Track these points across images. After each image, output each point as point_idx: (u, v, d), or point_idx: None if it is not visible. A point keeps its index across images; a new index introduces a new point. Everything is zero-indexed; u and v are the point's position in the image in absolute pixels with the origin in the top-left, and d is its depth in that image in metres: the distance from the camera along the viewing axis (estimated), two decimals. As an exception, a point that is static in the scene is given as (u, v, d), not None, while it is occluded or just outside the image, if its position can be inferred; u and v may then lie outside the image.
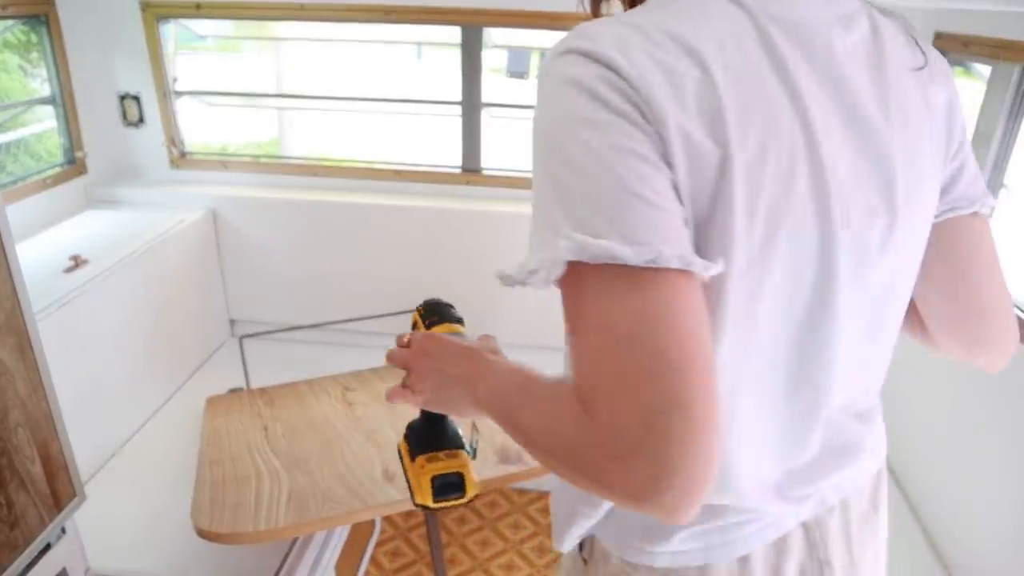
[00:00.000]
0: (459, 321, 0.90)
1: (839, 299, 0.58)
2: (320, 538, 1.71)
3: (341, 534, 1.85)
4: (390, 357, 0.80)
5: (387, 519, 2.25)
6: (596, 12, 0.69)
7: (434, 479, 0.83)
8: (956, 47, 1.73)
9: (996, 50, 1.55)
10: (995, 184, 1.58)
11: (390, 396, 0.80)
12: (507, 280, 0.55)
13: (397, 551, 2.15)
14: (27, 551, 1.10)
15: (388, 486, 1.27)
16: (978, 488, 1.47)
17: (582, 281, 0.49)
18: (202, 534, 1.20)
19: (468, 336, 0.85)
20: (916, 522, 1.67)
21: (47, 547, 1.16)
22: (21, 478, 1.07)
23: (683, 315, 0.48)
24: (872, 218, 0.58)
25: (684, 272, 0.48)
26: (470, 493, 0.83)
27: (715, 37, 0.52)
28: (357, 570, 2.03)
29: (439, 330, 0.87)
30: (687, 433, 0.45)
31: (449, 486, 0.83)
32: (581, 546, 0.73)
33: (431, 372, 0.74)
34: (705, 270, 0.49)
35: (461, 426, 0.89)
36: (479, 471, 1.29)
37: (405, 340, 0.80)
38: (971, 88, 1.74)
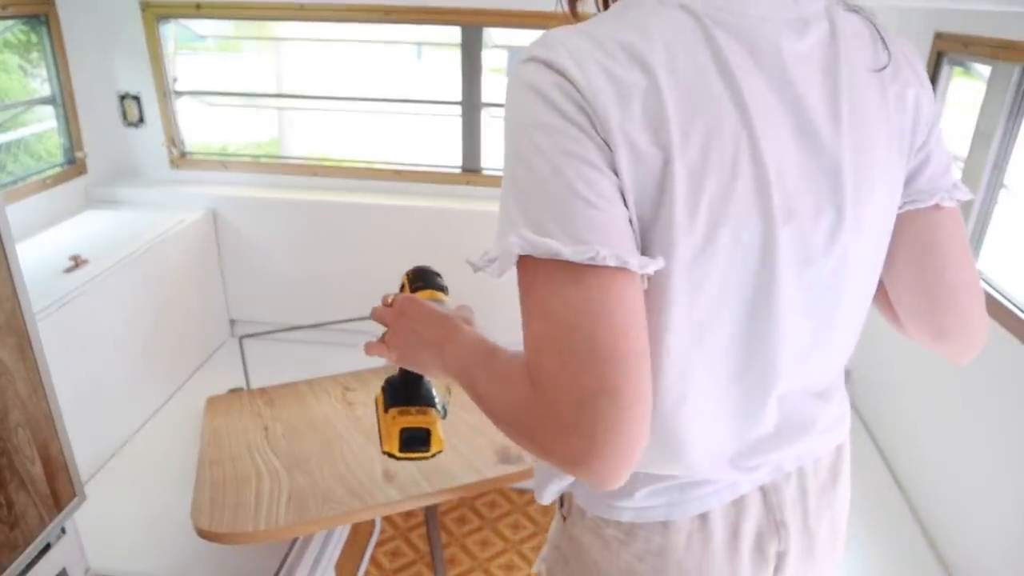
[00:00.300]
0: (443, 289, 0.96)
1: (782, 290, 0.61)
2: (320, 538, 1.71)
3: (341, 534, 1.85)
4: (373, 313, 0.88)
5: (387, 519, 2.25)
6: (574, 11, 0.74)
7: (403, 431, 0.90)
8: (956, 47, 1.73)
9: (996, 50, 1.55)
10: (995, 184, 1.58)
11: (368, 348, 0.88)
12: (473, 266, 0.62)
13: (397, 551, 2.15)
14: (27, 551, 1.10)
15: (388, 486, 1.27)
16: (978, 488, 1.47)
17: (532, 273, 0.55)
18: (202, 534, 1.20)
19: (449, 305, 0.91)
20: (916, 522, 1.67)
21: (47, 547, 1.16)
22: (21, 478, 1.07)
23: (617, 310, 0.53)
24: (818, 217, 0.61)
25: (621, 269, 0.53)
26: (434, 448, 0.90)
27: (664, 45, 0.55)
28: (357, 570, 2.03)
29: (422, 295, 0.92)
30: (614, 417, 0.50)
31: (415, 440, 0.90)
32: (561, 503, 0.79)
33: (406, 331, 0.81)
34: (641, 268, 0.54)
35: (437, 388, 0.94)
36: (479, 471, 1.29)
37: (389, 300, 0.87)
38: (971, 88, 1.74)
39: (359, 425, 1.59)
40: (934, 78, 1.84)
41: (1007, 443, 1.38)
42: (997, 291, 1.49)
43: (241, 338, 2.03)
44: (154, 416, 2.02)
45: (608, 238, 0.53)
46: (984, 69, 1.64)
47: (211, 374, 2.25)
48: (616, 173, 0.54)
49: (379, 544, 2.17)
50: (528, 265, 0.55)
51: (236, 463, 1.45)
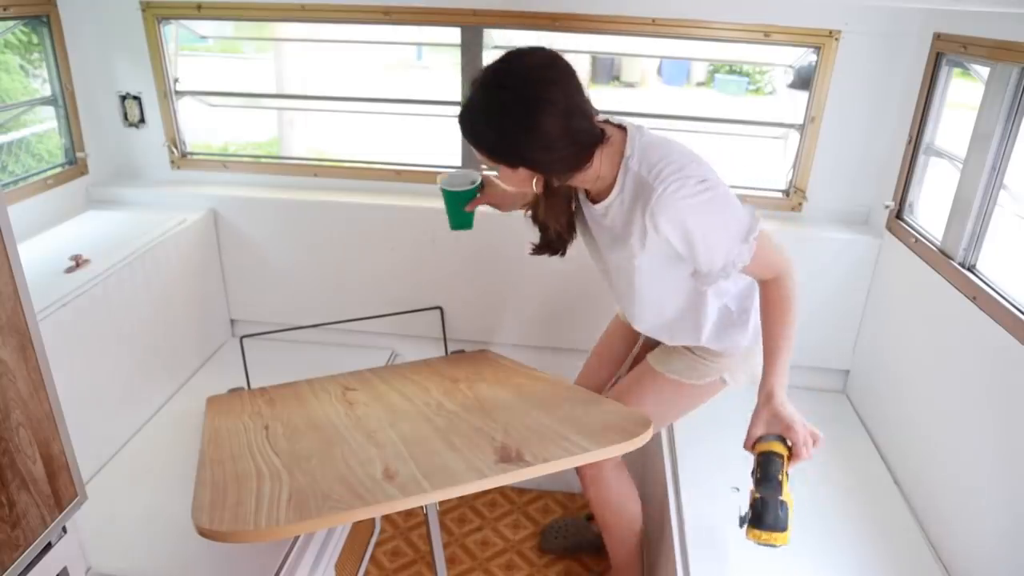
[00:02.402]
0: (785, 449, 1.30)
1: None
2: (320, 538, 1.71)
3: (341, 534, 1.86)
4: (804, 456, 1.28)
5: (387, 519, 2.25)
6: (549, 188, 1.40)
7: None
8: (955, 48, 1.74)
9: (994, 51, 1.55)
10: (994, 184, 1.58)
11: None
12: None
13: (397, 551, 2.15)
14: (28, 550, 1.11)
15: (388, 486, 1.27)
16: (977, 488, 1.47)
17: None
18: (203, 533, 1.20)
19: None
20: (915, 522, 1.67)
21: (48, 546, 1.16)
22: (22, 478, 1.08)
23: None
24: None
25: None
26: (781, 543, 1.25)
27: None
28: (357, 570, 2.03)
29: (771, 445, 1.27)
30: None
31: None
32: None
33: (802, 426, 1.27)
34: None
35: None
36: (479, 471, 1.29)
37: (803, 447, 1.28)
38: (970, 89, 1.74)
39: (359, 425, 1.59)
40: (933, 79, 1.84)
41: (1007, 443, 1.38)
42: (997, 291, 1.49)
43: (242, 338, 2.04)
44: (155, 416, 2.02)
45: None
46: (983, 70, 1.64)
47: (212, 374, 2.26)
48: None
49: (379, 544, 2.17)
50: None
51: (236, 462, 1.45)
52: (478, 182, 1.66)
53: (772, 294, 1.36)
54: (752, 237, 1.28)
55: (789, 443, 1.25)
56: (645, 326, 1.59)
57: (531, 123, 1.21)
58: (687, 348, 1.59)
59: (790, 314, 1.34)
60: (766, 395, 1.30)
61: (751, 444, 1.27)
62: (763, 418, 1.28)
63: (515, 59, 1.24)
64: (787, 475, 1.22)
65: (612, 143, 1.32)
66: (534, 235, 1.53)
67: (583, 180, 1.36)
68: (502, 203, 1.70)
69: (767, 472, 1.21)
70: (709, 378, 1.59)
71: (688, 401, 1.64)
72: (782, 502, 1.22)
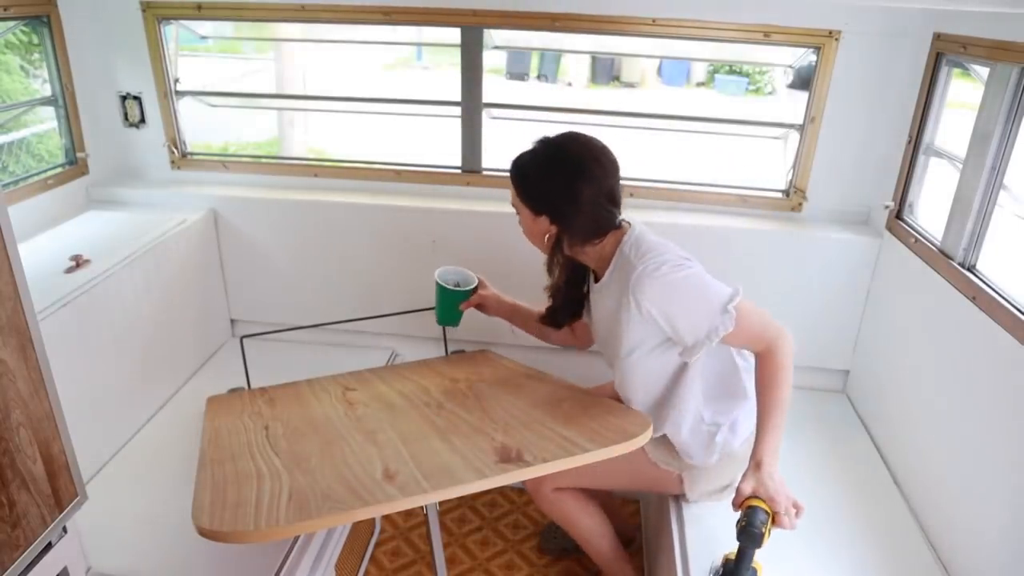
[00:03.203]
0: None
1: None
2: (320, 538, 1.71)
3: (341, 534, 1.86)
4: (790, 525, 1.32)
5: (387, 519, 2.25)
6: (559, 251, 1.53)
7: None
8: (955, 48, 1.74)
9: (994, 51, 1.55)
10: (994, 185, 1.58)
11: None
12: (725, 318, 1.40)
13: (397, 551, 2.15)
14: (28, 550, 1.11)
15: (388, 486, 1.27)
16: (977, 488, 1.47)
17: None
18: (203, 533, 1.20)
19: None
20: (915, 522, 1.67)
21: (48, 546, 1.16)
22: (23, 477, 1.08)
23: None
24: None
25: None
26: None
27: None
28: (357, 570, 2.03)
29: (756, 501, 1.32)
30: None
31: None
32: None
33: (783, 493, 1.32)
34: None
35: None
36: (479, 471, 1.30)
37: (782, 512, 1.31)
38: (970, 89, 1.74)
39: (359, 425, 1.59)
40: (933, 79, 1.84)
41: (1006, 443, 1.38)
42: (997, 291, 1.49)
43: (242, 338, 2.04)
44: (155, 416, 2.02)
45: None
46: (983, 70, 1.64)
47: (212, 374, 2.26)
48: None
49: (379, 544, 2.17)
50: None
51: (237, 462, 1.45)
52: (474, 283, 1.75)
53: (764, 367, 1.42)
54: (731, 306, 1.37)
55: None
56: (643, 403, 1.61)
57: (572, 181, 1.43)
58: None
59: (782, 388, 1.39)
60: (755, 463, 1.34)
61: (739, 503, 1.33)
62: (750, 483, 1.32)
63: (582, 136, 1.49)
64: (769, 531, 1.28)
65: (622, 234, 1.50)
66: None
67: (590, 255, 1.53)
68: (491, 307, 1.84)
69: (752, 521, 1.26)
70: (669, 467, 1.62)
71: (641, 475, 1.65)
72: (753, 569, 1.32)
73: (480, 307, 1.84)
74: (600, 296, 1.56)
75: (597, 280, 1.56)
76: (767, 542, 1.27)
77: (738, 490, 1.33)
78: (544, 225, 1.49)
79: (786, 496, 1.30)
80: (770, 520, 1.28)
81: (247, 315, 2.47)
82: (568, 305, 1.68)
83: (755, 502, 1.29)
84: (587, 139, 1.48)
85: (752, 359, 1.48)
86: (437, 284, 1.79)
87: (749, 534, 1.26)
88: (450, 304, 1.81)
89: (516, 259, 2.21)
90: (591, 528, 1.78)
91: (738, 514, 1.31)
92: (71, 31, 2.14)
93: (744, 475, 1.35)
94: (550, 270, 1.60)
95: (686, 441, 1.57)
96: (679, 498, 1.68)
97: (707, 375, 1.53)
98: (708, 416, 1.56)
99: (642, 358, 1.49)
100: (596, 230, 1.48)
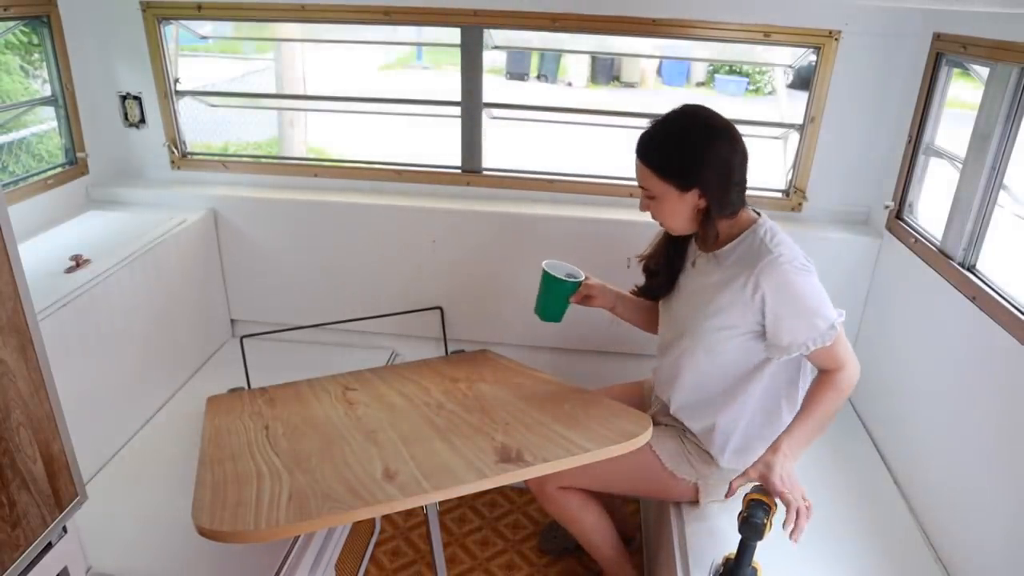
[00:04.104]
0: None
1: None
2: (320, 538, 1.71)
3: (341, 534, 1.86)
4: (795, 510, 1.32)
5: (387, 519, 2.25)
6: (705, 223, 1.48)
7: None
8: (955, 48, 1.74)
9: (994, 51, 1.55)
10: (994, 185, 1.58)
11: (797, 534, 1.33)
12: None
13: (397, 551, 2.15)
14: (28, 550, 1.11)
15: (388, 485, 1.28)
16: (977, 488, 1.47)
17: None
18: (203, 533, 1.21)
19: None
20: (914, 522, 1.67)
21: (48, 546, 1.16)
22: (23, 477, 1.08)
23: None
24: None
25: None
26: None
27: None
28: (357, 570, 2.03)
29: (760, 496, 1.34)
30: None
31: None
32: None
33: (791, 479, 1.35)
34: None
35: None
36: (479, 471, 1.30)
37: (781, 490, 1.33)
38: (970, 90, 1.74)
39: (359, 425, 1.59)
40: (933, 79, 1.84)
41: (1007, 443, 1.38)
42: (997, 291, 1.49)
43: (242, 338, 2.04)
44: (155, 416, 2.02)
45: None
46: (983, 70, 1.64)
47: (212, 374, 2.26)
48: None
49: (379, 544, 2.17)
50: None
51: (237, 462, 1.45)
52: (582, 277, 1.69)
53: (826, 383, 1.45)
54: (838, 323, 1.41)
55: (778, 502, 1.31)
56: (677, 400, 1.62)
57: (712, 142, 1.40)
58: (684, 438, 1.63)
59: (831, 405, 1.44)
60: (774, 447, 1.38)
61: (741, 482, 1.36)
62: (760, 465, 1.35)
63: (703, 107, 1.46)
64: (771, 524, 1.29)
65: (747, 214, 1.50)
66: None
67: (721, 228, 1.48)
68: (599, 298, 1.74)
69: (753, 513, 1.28)
70: (684, 476, 1.61)
71: (652, 481, 1.64)
72: (753, 569, 1.33)
73: (586, 299, 1.73)
74: (700, 270, 1.54)
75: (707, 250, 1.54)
76: (768, 533, 1.28)
77: (746, 471, 1.35)
78: (692, 200, 1.44)
79: (797, 487, 1.31)
80: (772, 511, 1.28)
81: (247, 315, 2.47)
82: (669, 278, 1.63)
83: (758, 495, 1.30)
84: (711, 109, 1.46)
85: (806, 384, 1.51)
86: (546, 275, 1.68)
87: (751, 525, 1.27)
88: (559, 296, 1.70)
89: (516, 259, 2.21)
90: (593, 527, 1.78)
91: (739, 508, 1.32)
92: (71, 31, 2.14)
93: (759, 458, 1.36)
94: (651, 260, 1.64)
95: (731, 437, 1.57)
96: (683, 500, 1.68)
97: (777, 382, 1.53)
98: (759, 420, 1.57)
99: (730, 338, 1.48)
100: (738, 198, 1.46)
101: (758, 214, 1.51)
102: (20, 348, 1.07)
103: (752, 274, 1.40)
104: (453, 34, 2.17)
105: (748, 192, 1.48)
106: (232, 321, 2.49)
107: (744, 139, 1.44)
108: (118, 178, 2.42)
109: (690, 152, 1.41)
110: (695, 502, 1.64)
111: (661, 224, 1.54)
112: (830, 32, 1.97)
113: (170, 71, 2.31)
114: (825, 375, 1.46)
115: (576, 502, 1.73)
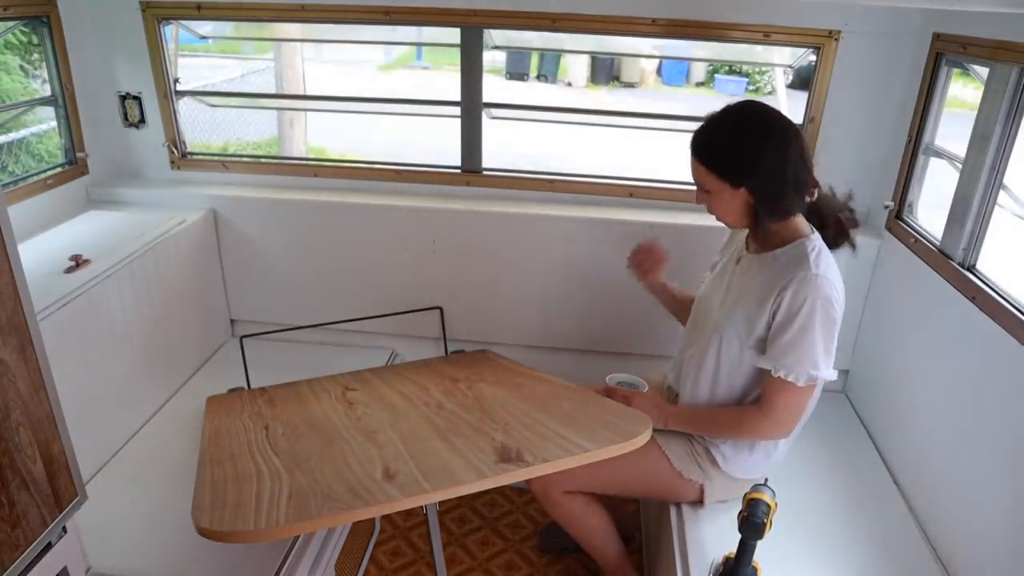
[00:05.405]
0: None
1: None
2: (320, 538, 1.71)
3: (341, 534, 1.86)
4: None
5: (387, 519, 2.25)
6: (754, 220, 1.49)
7: None
8: (954, 48, 1.74)
9: (994, 51, 1.55)
10: (994, 185, 1.58)
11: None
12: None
13: (397, 551, 2.15)
14: (28, 550, 1.11)
15: (388, 485, 1.28)
16: (976, 488, 1.47)
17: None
18: (203, 533, 1.21)
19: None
20: (914, 521, 1.67)
21: (48, 546, 1.16)
22: (23, 477, 1.08)
23: None
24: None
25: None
26: None
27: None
28: (357, 570, 2.03)
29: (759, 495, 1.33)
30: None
31: None
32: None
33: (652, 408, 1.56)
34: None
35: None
36: (479, 470, 1.30)
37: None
38: (970, 90, 1.74)
39: (359, 425, 1.59)
40: (932, 79, 1.84)
41: (1006, 443, 1.38)
42: (997, 291, 1.49)
43: (242, 338, 2.04)
44: (155, 416, 2.02)
45: None
46: (982, 70, 1.64)
47: (212, 374, 2.26)
48: None
49: (379, 544, 2.17)
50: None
51: (236, 462, 1.45)
52: (645, 387, 1.70)
53: (749, 414, 1.51)
54: (817, 376, 1.42)
55: (775, 499, 1.33)
56: (694, 392, 1.62)
57: (764, 142, 1.38)
58: (692, 439, 1.63)
59: (730, 430, 1.55)
60: (668, 408, 1.60)
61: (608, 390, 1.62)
62: (653, 406, 1.58)
63: (761, 103, 1.46)
64: (771, 523, 1.30)
65: (802, 222, 1.49)
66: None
67: (770, 230, 1.48)
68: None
69: (754, 512, 1.29)
70: (691, 476, 1.61)
71: (660, 483, 1.64)
72: (753, 569, 1.34)
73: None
74: (744, 268, 1.56)
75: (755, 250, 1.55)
76: (768, 533, 1.29)
77: (626, 395, 1.60)
78: (743, 197, 1.43)
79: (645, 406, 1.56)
80: (772, 511, 1.29)
81: (247, 315, 2.47)
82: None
83: (757, 494, 1.30)
84: (771, 108, 1.45)
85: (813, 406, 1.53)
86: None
87: (751, 525, 1.28)
88: None
89: (516, 259, 2.21)
90: (596, 528, 1.77)
91: (739, 507, 1.33)
92: (71, 31, 2.14)
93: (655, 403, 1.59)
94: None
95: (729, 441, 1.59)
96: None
97: None
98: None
99: (738, 348, 1.51)
100: (793, 202, 1.44)
101: (813, 230, 1.50)
102: (20, 348, 1.07)
103: (786, 283, 1.40)
104: (453, 34, 2.17)
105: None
106: (232, 321, 2.49)
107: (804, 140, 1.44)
108: (118, 178, 2.42)
109: (741, 151, 1.41)
110: (698, 502, 1.64)
111: (716, 217, 1.54)
112: (830, 32, 1.97)
113: (170, 71, 2.31)
114: (754, 409, 1.49)
115: (580, 506, 1.73)
